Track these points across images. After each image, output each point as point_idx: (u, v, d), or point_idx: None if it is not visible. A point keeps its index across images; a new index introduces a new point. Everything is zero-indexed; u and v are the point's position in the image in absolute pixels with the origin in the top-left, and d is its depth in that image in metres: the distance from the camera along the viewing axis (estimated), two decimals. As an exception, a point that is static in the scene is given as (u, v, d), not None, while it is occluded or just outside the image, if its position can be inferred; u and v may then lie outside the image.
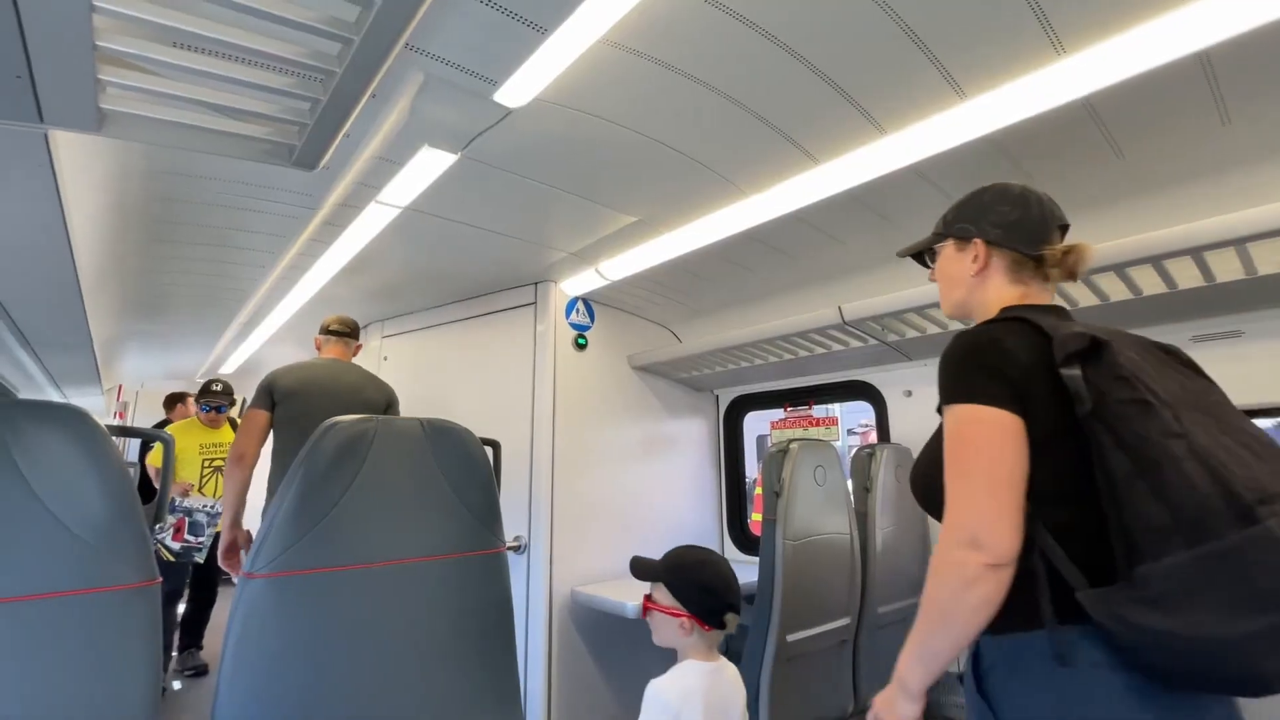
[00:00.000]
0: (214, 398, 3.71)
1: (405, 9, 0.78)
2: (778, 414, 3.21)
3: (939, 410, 0.91)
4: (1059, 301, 1.11)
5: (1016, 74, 1.35)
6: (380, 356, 3.54)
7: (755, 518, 3.16)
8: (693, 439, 3.26)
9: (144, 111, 0.97)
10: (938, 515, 0.88)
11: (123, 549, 0.90)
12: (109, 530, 0.89)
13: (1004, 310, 0.97)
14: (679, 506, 3.08)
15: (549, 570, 2.53)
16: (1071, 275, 1.00)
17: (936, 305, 1.93)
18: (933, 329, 2.16)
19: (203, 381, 3.80)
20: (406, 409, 3.35)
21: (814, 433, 2.99)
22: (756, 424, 3.57)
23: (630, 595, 2.22)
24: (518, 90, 1.49)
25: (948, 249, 1.09)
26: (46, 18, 0.73)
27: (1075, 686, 0.77)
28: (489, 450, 1.41)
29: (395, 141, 1.73)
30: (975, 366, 0.87)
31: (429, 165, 1.88)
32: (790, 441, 2.00)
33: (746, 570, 2.70)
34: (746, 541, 3.18)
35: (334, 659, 1.05)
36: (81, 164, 1.33)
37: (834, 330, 2.24)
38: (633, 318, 3.06)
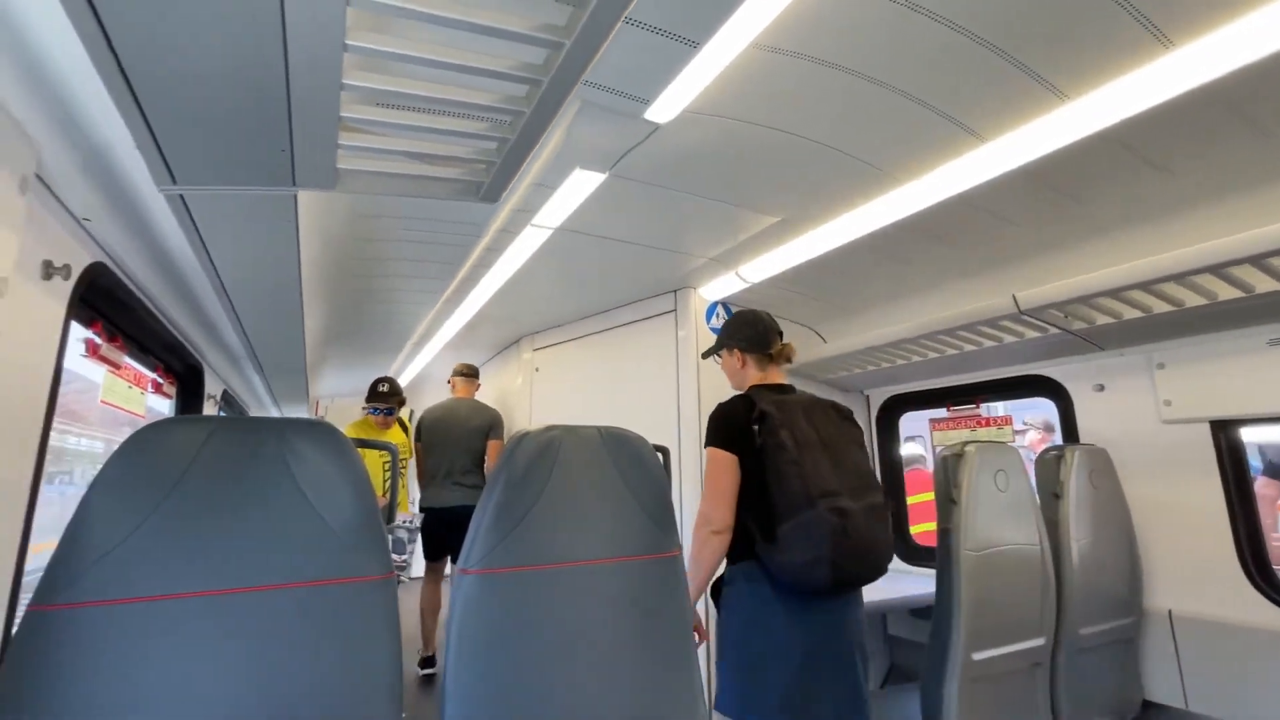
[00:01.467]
0: (382, 400, 3.76)
1: (587, 51, 0.83)
2: (937, 413, 2.99)
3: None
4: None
5: (1239, 10, 1.16)
6: (532, 368, 3.78)
7: (927, 527, 2.96)
8: (843, 442, 3.13)
9: (366, 167, 1.13)
10: None
11: (367, 545, 1.03)
12: (356, 527, 1.03)
13: (750, 387, 1.76)
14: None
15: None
16: (788, 360, 1.83)
17: (1135, 287, 1.71)
18: (1131, 313, 1.90)
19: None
20: (558, 417, 3.55)
21: (984, 434, 2.74)
22: (910, 425, 3.35)
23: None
24: (667, 105, 1.53)
25: (725, 355, 1.89)
26: (309, 100, 0.87)
27: (749, 590, 1.55)
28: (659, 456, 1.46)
29: (551, 167, 1.85)
30: (715, 426, 1.65)
31: (580, 186, 1.99)
32: (965, 444, 1.86)
33: (909, 581, 2.52)
34: (909, 550, 2.99)
35: (531, 649, 1.14)
36: (312, 215, 1.57)
37: (1007, 321, 2.05)
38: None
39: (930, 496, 2.20)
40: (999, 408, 2.86)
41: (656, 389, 2.93)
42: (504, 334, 4.00)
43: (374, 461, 3.90)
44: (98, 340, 1.52)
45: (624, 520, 1.27)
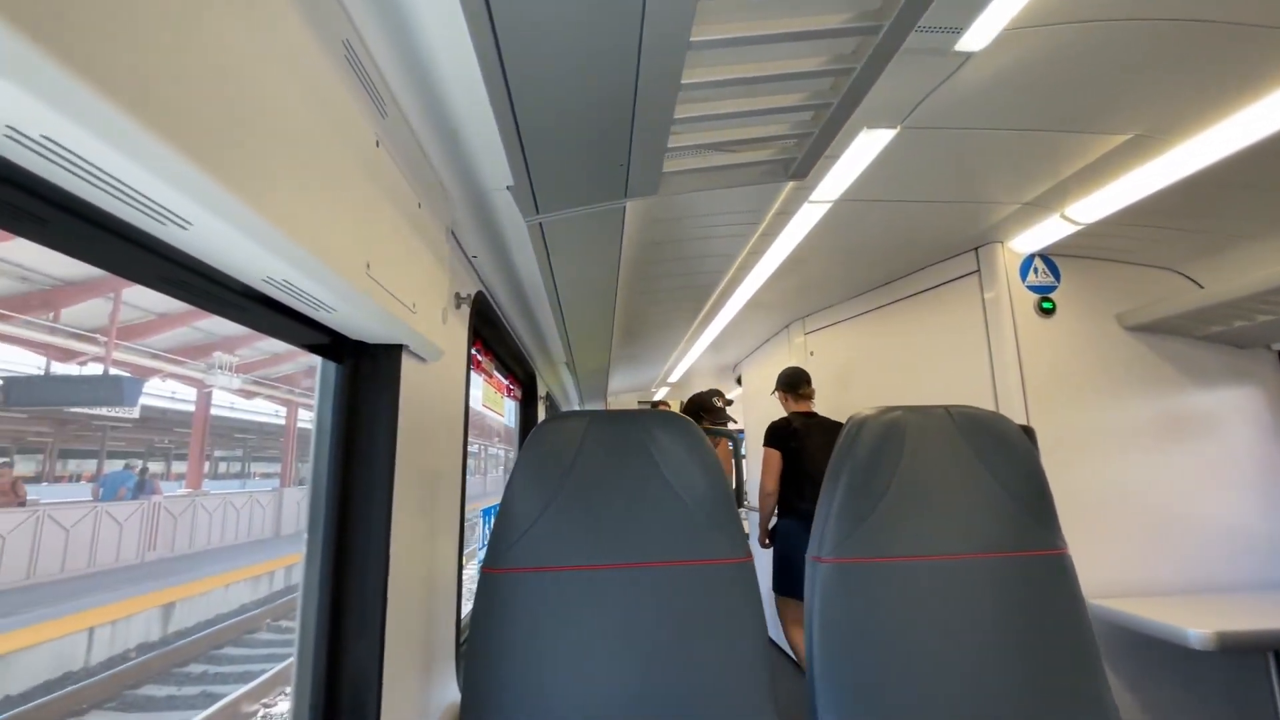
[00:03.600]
0: (720, 417, 3.90)
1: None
2: None
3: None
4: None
5: None
6: (806, 352, 3.68)
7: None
8: (1242, 414, 2.39)
9: (685, 166, 1.18)
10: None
11: (724, 528, 1.07)
12: (713, 511, 1.07)
13: (791, 413, 3.24)
14: (1236, 507, 2.29)
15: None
16: (809, 397, 3.28)
17: None
18: None
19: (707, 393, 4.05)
20: (841, 401, 3.40)
21: None
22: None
23: (1190, 617, 1.72)
24: (985, 28, 1.32)
25: (779, 393, 3.35)
26: (650, 108, 0.94)
27: (785, 525, 3.04)
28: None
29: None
30: (771, 434, 3.14)
31: (865, 150, 1.85)
32: None
33: None
34: None
35: (899, 647, 1.07)
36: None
37: None
38: (1120, 266, 2.44)
39: None
40: None
41: (961, 362, 2.60)
42: (772, 321, 3.97)
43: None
44: (479, 356, 1.89)
45: (989, 511, 1.11)
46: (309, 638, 0.83)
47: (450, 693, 1.26)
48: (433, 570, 1.15)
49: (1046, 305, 2.41)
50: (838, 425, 2.74)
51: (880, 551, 1.09)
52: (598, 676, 0.99)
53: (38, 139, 0.36)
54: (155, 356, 11.55)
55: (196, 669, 6.30)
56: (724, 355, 5.04)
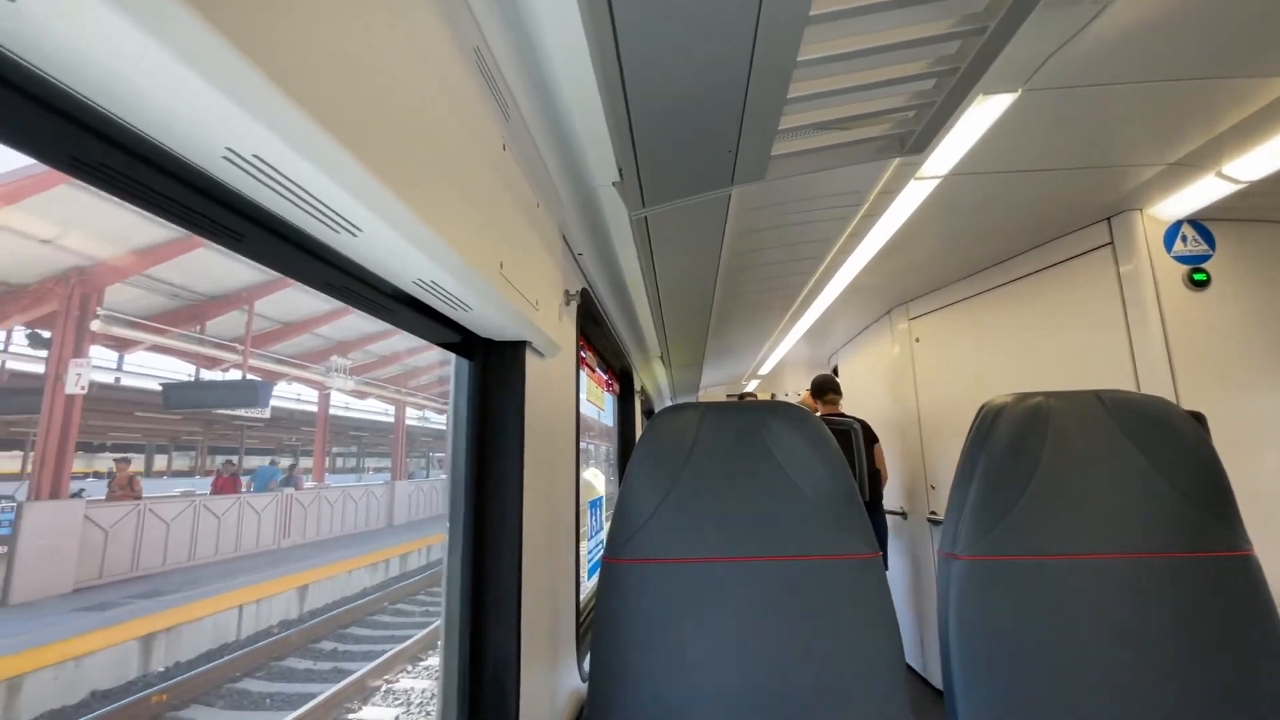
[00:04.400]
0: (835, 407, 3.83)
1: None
2: None
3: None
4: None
5: None
6: (911, 339, 3.49)
7: None
8: None
9: (795, 148, 1.14)
10: None
11: (850, 523, 1.02)
12: (838, 505, 1.03)
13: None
14: None
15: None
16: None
17: None
18: None
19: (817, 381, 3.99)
20: (951, 391, 3.20)
21: None
22: None
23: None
24: (1130, -32, 1.19)
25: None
26: (763, 90, 0.91)
27: None
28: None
29: (950, 104, 1.63)
30: None
31: (982, 118, 1.71)
32: None
33: None
34: None
35: (1049, 654, 0.98)
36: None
37: None
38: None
39: None
40: None
41: (1093, 344, 2.37)
42: (872, 307, 3.80)
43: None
44: (583, 352, 1.94)
45: (1152, 507, 1.00)
46: (454, 622, 0.88)
47: (573, 680, 1.30)
48: (554, 560, 1.19)
49: (1199, 277, 2.15)
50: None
51: (1024, 549, 1.01)
52: (723, 669, 0.98)
53: (249, 158, 0.39)
54: (281, 362, 12.72)
55: (328, 645, 6.91)
56: (819, 345, 4.88)
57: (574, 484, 1.38)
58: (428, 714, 5.04)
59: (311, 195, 0.45)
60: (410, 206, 0.50)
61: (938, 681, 2.98)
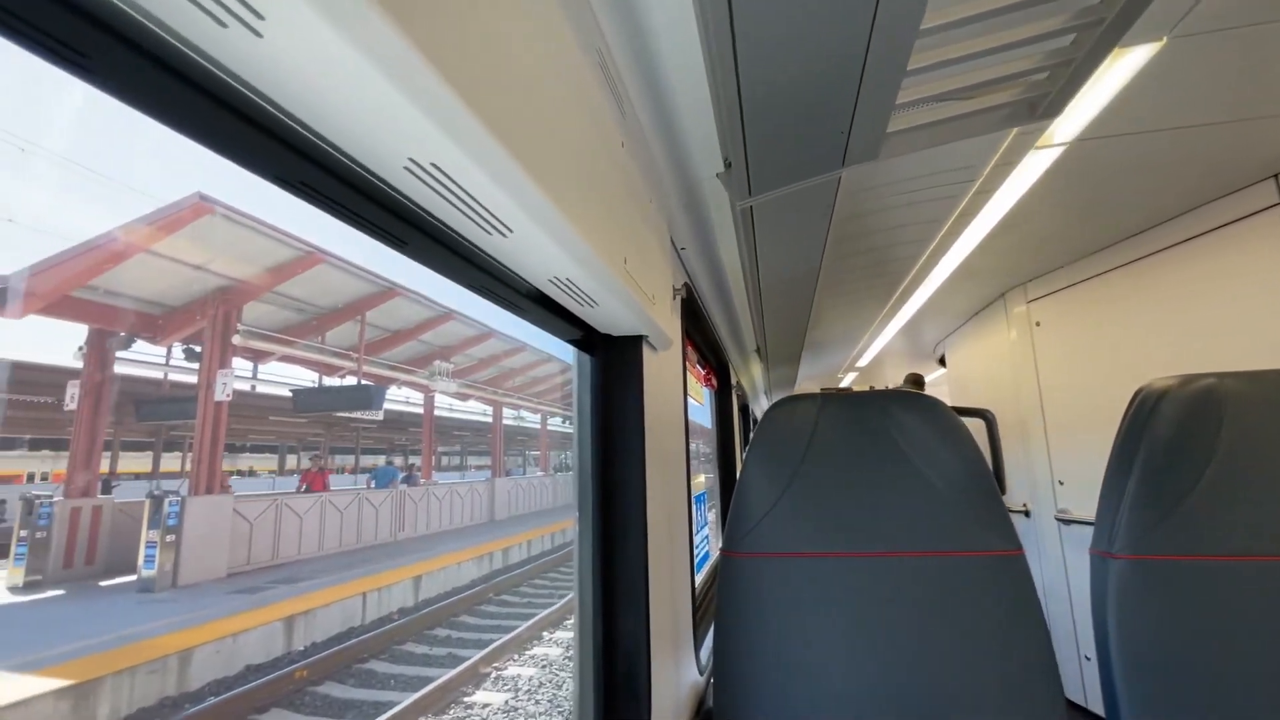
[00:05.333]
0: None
1: None
2: None
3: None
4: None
5: None
6: (1030, 323, 3.24)
7: None
8: None
9: (913, 123, 1.08)
10: None
11: (989, 517, 0.96)
12: (973, 499, 0.97)
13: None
14: None
15: None
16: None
17: None
18: None
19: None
20: (1084, 379, 2.93)
21: None
22: None
23: None
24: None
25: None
26: (882, 63, 0.87)
27: None
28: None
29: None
30: None
31: (1116, 75, 1.56)
32: None
33: None
34: None
35: (1222, 665, 0.88)
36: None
37: None
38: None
39: None
40: None
41: (1261, 321, 2.09)
42: (984, 290, 3.55)
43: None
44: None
45: None
46: (587, 611, 0.91)
47: (691, 673, 1.31)
48: (673, 551, 1.20)
49: (1396, 235, 1.85)
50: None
51: (1197, 548, 0.91)
52: (852, 669, 0.95)
53: (427, 167, 0.42)
54: (391, 367, 13.67)
55: (442, 633, 7.35)
56: (922, 334, 4.62)
57: (685, 476, 1.39)
58: (536, 700, 5.24)
59: (475, 199, 0.47)
60: (557, 206, 0.52)
61: (1074, 694, 2.74)
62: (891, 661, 0.94)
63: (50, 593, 7.60)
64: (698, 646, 1.45)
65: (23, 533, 8.13)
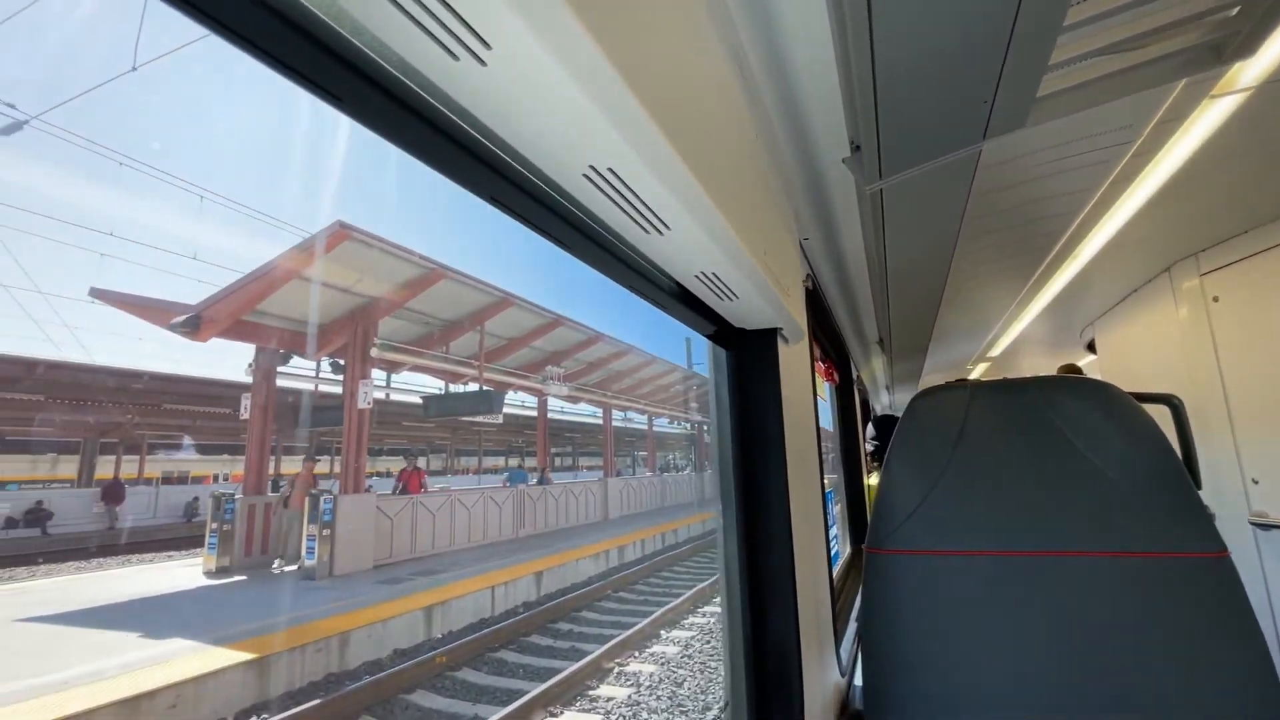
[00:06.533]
0: None
1: None
2: None
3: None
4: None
5: None
6: (1205, 299, 2.84)
7: None
8: None
9: (1067, 84, 0.99)
10: None
11: (1183, 514, 0.85)
12: (1161, 493, 0.86)
13: None
14: None
15: None
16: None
17: None
18: None
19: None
20: (1269, 368, 2.52)
21: None
22: None
23: None
24: None
25: None
26: (1033, 22, 0.80)
27: None
28: None
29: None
30: None
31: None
32: None
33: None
34: None
35: None
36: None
37: None
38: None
39: None
40: None
41: None
42: (1145, 264, 3.15)
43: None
44: (807, 339, 1.91)
45: None
46: (735, 608, 0.91)
47: (834, 672, 1.27)
48: (813, 546, 1.18)
49: None
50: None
51: None
52: (1018, 679, 0.88)
53: (604, 173, 0.45)
54: (508, 373, 14.44)
55: (564, 626, 7.65)
56: (1067, 317, 4.18)
57: (818, 471, 1.35)
58: (657, 696, 5.31)
59: (641, 200, 0.49)
60: (713, 201, 0.53)
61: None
62: (1064, 673, 0.86)
63: (236, 577, 8.76)
64: (838, 645, 1.40)
65: (213, 525, 9.45)
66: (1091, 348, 4.40)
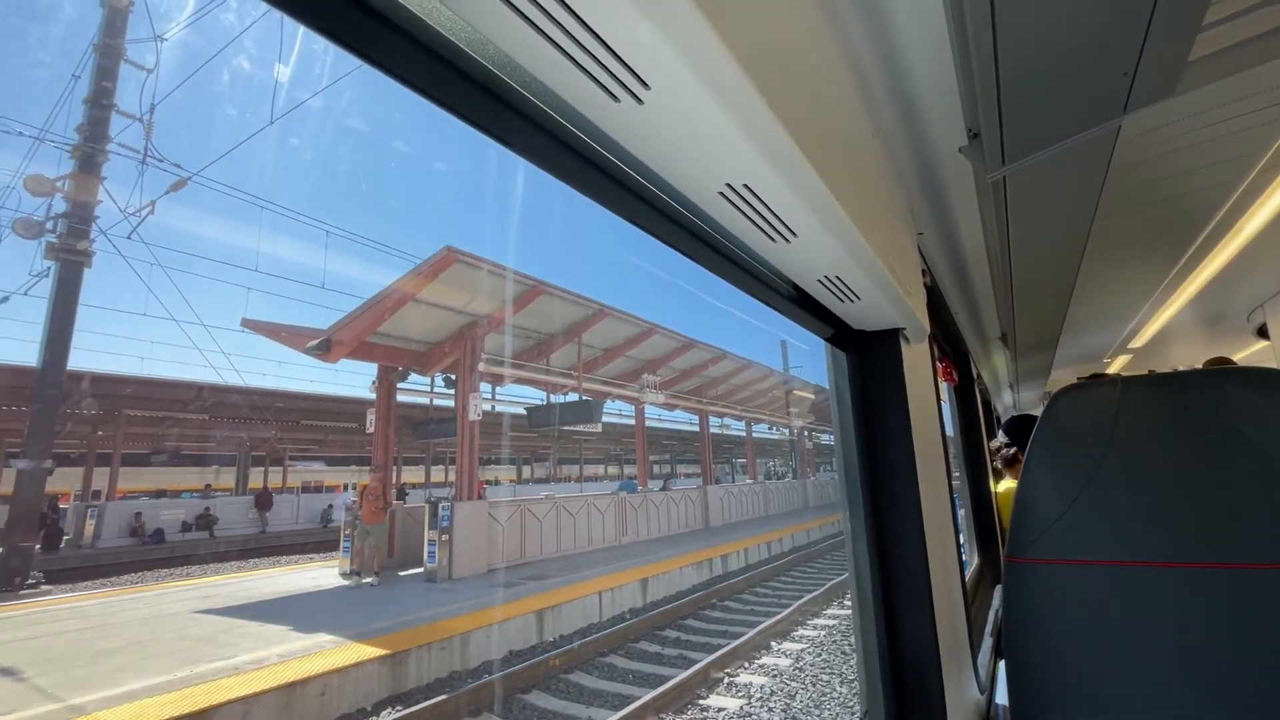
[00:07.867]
0: None
1: None
2: None
3: None
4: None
5: None
6: None
7: None
8: None
9: (1229, 41, 0.89)
10: None
11: None
12: None
13: None
14: None
15: None
16: None
17: None
18: None
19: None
20: None
21: None
22: None
23: None
24: None
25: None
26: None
27: None
28: None
29: None
30: None
31: None
32: None
33: None
34: None
35: None
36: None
37: None
38: None
39: None
40: None
41: None
42: None
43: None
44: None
45: None
46: (868, 617, 0.89)
47: (973, 689, 1.20)
48: (944, 552, 1.12)
49: None
50: None
51: None
52: (1189, 707, 0.79)
53: (739, 189, 0.47)
54: (606, 383, 14.77)
55: (671, 634, 7.68)
56: (1226, 299, 3.69)
57: (945, 474, 1.28)
58: (769, 708, 5.20)
59: (773, 211, 0.51)
60: (843, 207, 0.53)
61: None
62: (1243, 707, 0.77)
63: (367, 579, 9.54)
64: (974, 658, 1.32)
65: (347, 531, 10.36)
66: (1263, 333, 3.86)
